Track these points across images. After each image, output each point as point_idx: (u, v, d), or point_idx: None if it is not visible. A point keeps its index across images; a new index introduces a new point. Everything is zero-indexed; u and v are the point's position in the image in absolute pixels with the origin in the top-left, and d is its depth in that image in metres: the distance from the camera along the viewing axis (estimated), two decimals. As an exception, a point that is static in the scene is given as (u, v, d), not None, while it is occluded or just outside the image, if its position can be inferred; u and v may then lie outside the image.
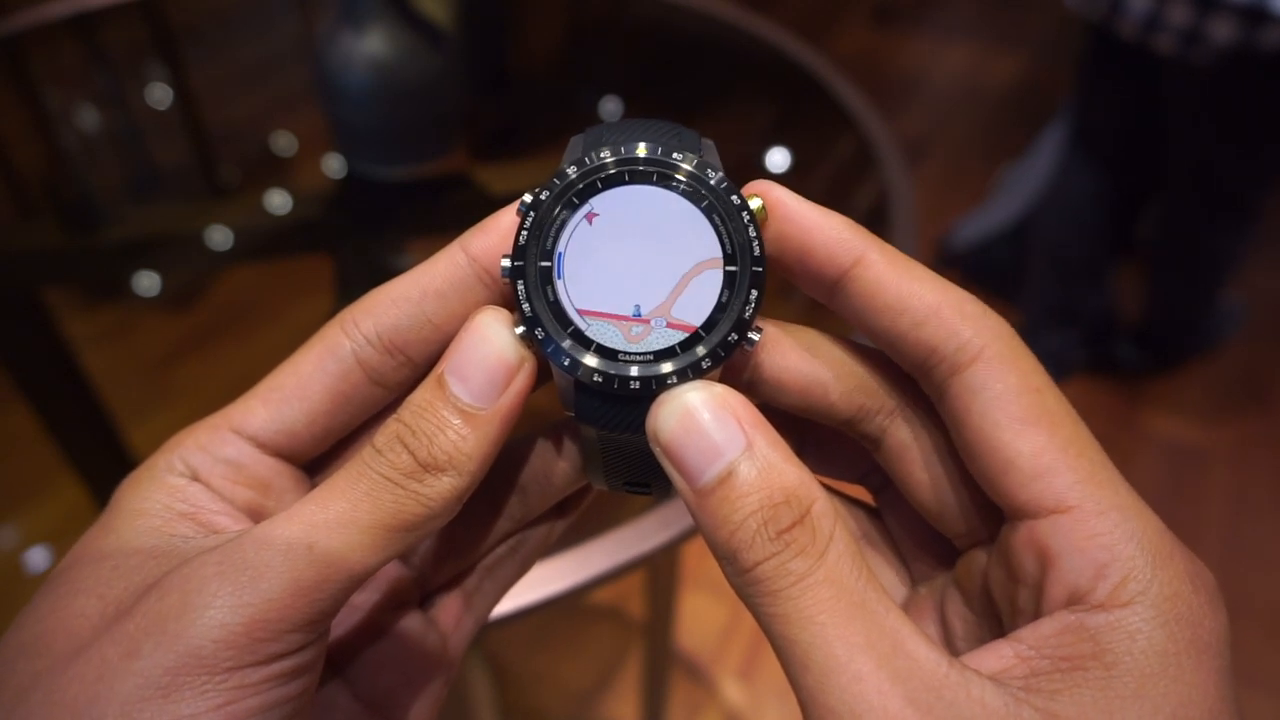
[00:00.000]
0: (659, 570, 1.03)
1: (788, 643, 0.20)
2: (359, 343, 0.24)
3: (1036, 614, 0.21)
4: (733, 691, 1.37)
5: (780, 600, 0.20)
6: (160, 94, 1.37)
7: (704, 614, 1.43)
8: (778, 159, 1.03)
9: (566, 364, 0.23)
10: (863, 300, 0.23)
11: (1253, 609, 1.49)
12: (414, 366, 0.25)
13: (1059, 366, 1.85)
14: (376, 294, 0.24)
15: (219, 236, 0.93)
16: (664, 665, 1.17)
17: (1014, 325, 0.23)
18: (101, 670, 0.20)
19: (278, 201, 0.98)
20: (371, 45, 0.79)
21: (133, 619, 0.20)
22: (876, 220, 0.81)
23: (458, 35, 1.13)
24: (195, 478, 0.24)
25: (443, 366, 0.23)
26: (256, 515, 0.25)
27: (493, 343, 0.23)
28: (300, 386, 0.24)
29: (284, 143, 1.26)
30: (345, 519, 0.21)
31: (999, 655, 0.21)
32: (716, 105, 1.23)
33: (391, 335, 0.24)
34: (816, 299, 0.24)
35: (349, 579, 0.21)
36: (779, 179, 0.23)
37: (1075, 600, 0.20)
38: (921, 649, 0.20)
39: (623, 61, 1.34)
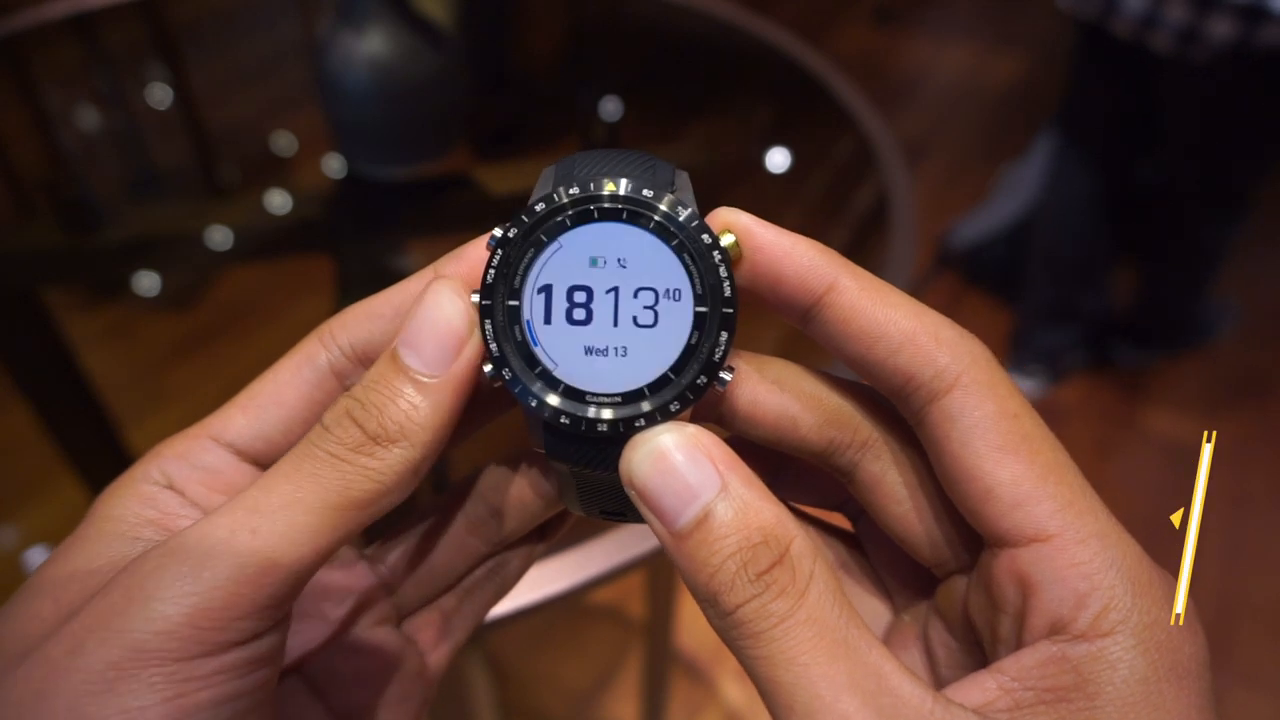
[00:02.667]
0: (659, 570, 1.03)
1: (772, 684, 0.20)
2: (334, 354, 0.25)
3: (1018, 643, 0.21)
4: (733, 691, 1.37)
5: (762, 642, 0.20)
6: (160, 94, 1.37)
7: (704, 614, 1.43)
8: (778, 159, 1.03)
9: (534, 405, 0.23)
10: (837, 327, 0.23)
11: (1253, 609, 1.49)
12: None
13: (1055, 365, 1.85)
14: (354, 308, 0.25)
15: (219, 236, 0.93)
16: (664, 665, 1.17)
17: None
18: (47, 669, 0.19)
19: (278, 201, 0.98)
20: (371, 45, 0.79)
21: (79, 618, 0.20)
22: (876, 220, 0.81)
23: (458, 35, 1.13)
24: (170, 486, 0.24)
25: (397, 340, 0.23)
26: None
27: (444, 309, 0.23)
28: (277, 394, 0.25)
29: (284, 143, 1.26)
30: (288, 500, 0.21)
31: (982, 688, 0.21)
32: (716, 105, 1.23)
33: (364, 348, 0.24)
34: (793, 325, 0.24)
35: (297, 563, 0.21)
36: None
37: (1057, 630, 0.20)
38: (905, 685, 0.20)
39: (623, 61, 1.34)
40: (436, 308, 0.23)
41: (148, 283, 1.01)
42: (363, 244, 0.93)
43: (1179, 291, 1.82)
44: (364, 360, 0.25)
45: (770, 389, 0.24)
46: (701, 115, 1.23)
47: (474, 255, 0.24)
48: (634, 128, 1.13)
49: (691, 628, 1.42)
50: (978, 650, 0.23)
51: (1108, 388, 1.88)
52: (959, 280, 2.08)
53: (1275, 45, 1.32)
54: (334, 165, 0.97)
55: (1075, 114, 1.69)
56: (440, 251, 0.25)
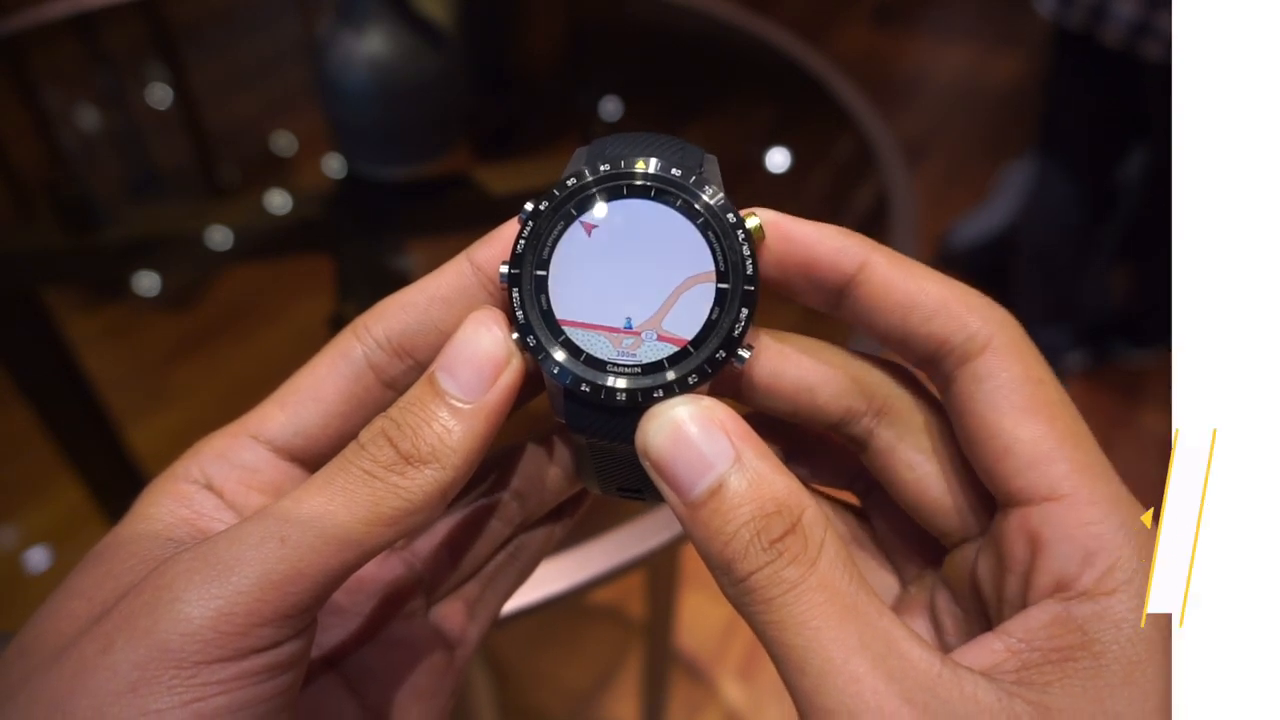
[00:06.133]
0: (659, 570, 1.03)
1: (783, 648, 0.20)
2: (370, 346, 0.25)
3: (1023, 603, 0.22)
4: (733, 691, 1.37)
5: (775, 607, 0.20)
6: (160, 94, 1.38)
7: (704, 614, 1.43)
8: (778, 159, 1.03)
9: (556, 372, 0.23)
10: (871, 302, 0.23)
11: (1253, 609, 1.49)
12: (422, 370, 0.25)
13: (1054, 363, 1.86)
14: (387, 301, 0.25)
15: (219, 236, 0.93)
16: (664, 665, 1.17)
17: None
18: (79, 667, 0.20)
19: (278, 201, 0.98)
20: (371, 45, 0.79)
21: (110, 617, 0.20)
22: (877, 220, 0.81)
23: (458, 35, 1.13)
24: (209, 485, 0.24)
25: (435, 365, 0.23)
26: None
27: (482, 338, 0.23)
28: (315, 389, 0.25)
29: (284, 143, 1.26)
30: (319, 513, 0.21)
31: (990, 650, 0.21)
32: (716, 105, 1.23)
33: (400, 339, 0.25)
34: (821, 309, 0.24)
35: (323, 574, 0.21)
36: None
37: (1062, 587, 0.21)
38: (915, 649, 0.20)
39: (623, 61, 1.35)
40: (475, 335, 0.23)
41: (148, 283, 1.01)
42: (363, 244, 0.93)
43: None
44: (400, 352, 0.25)
45: (789, 359, 0.25)
46: (701, 115, 1.23)
47: (504, 237, 0.24)
48: (634, 128, 1.13)
49: (691, 628, 1.42)
50: (983, 619, 0.24)
51: (1107, 387, 1.88)
52: (961, 279, 2.07)
53: None
54: (334, 165, 0.97)
55: (1056, 120, 1.69)
56: (440, 251, 0.25)
